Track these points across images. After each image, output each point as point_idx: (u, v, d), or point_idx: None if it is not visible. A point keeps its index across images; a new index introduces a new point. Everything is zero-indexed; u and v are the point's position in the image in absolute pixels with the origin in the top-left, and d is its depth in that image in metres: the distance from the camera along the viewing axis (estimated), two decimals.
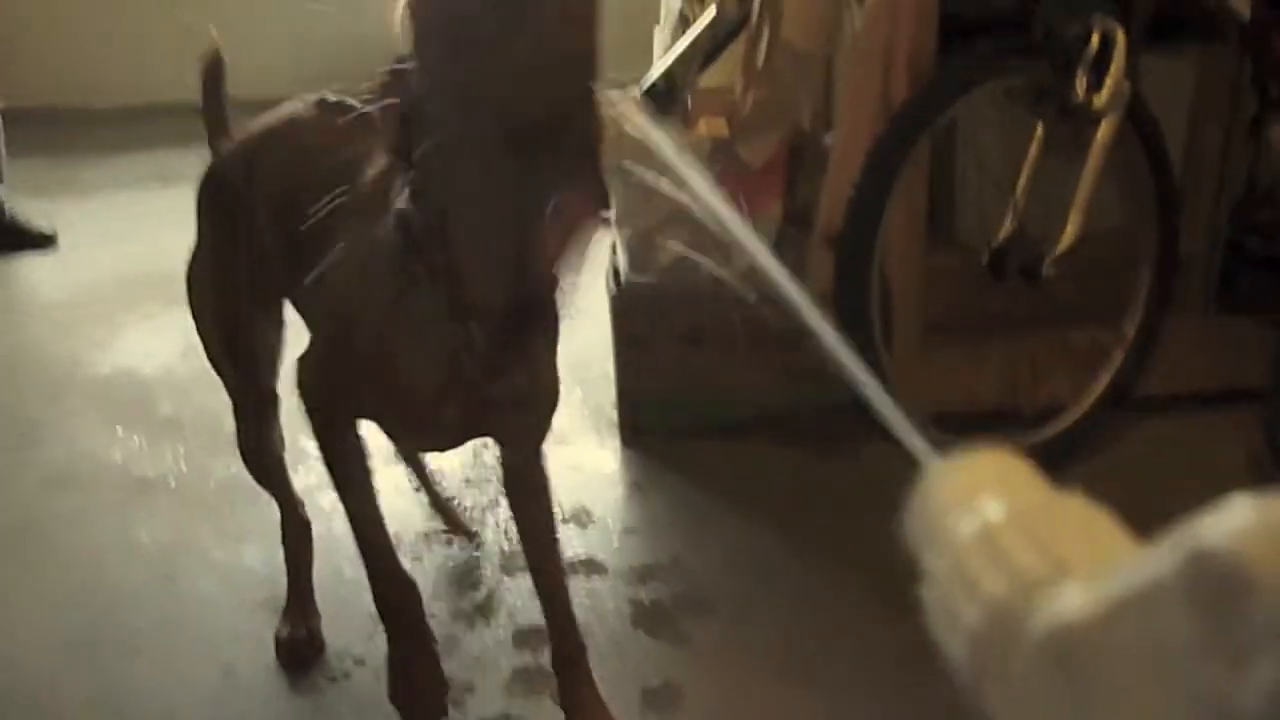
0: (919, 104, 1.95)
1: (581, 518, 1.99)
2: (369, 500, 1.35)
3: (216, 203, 1.54)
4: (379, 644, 1.49)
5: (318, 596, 1.79)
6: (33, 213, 3.77)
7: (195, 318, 1.61)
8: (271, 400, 1.63)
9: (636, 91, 2.28)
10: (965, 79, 1.95)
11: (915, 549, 0.61)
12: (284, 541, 1.77)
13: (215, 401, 2.50)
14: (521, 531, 1.47)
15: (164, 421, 2.44)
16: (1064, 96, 1.93)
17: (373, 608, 1.42)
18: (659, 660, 1.70)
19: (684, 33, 2.35)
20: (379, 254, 1.14)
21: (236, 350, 1.59)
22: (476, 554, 1.94)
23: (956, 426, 2.03)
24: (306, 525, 1.78)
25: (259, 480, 1.72)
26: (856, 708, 1.61)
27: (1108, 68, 1.90)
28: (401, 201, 1.11)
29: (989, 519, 0.56)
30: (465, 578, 1.88)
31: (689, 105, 2.23)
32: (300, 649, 1.73)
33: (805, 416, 2.22)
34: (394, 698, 1.39)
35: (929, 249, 2.12)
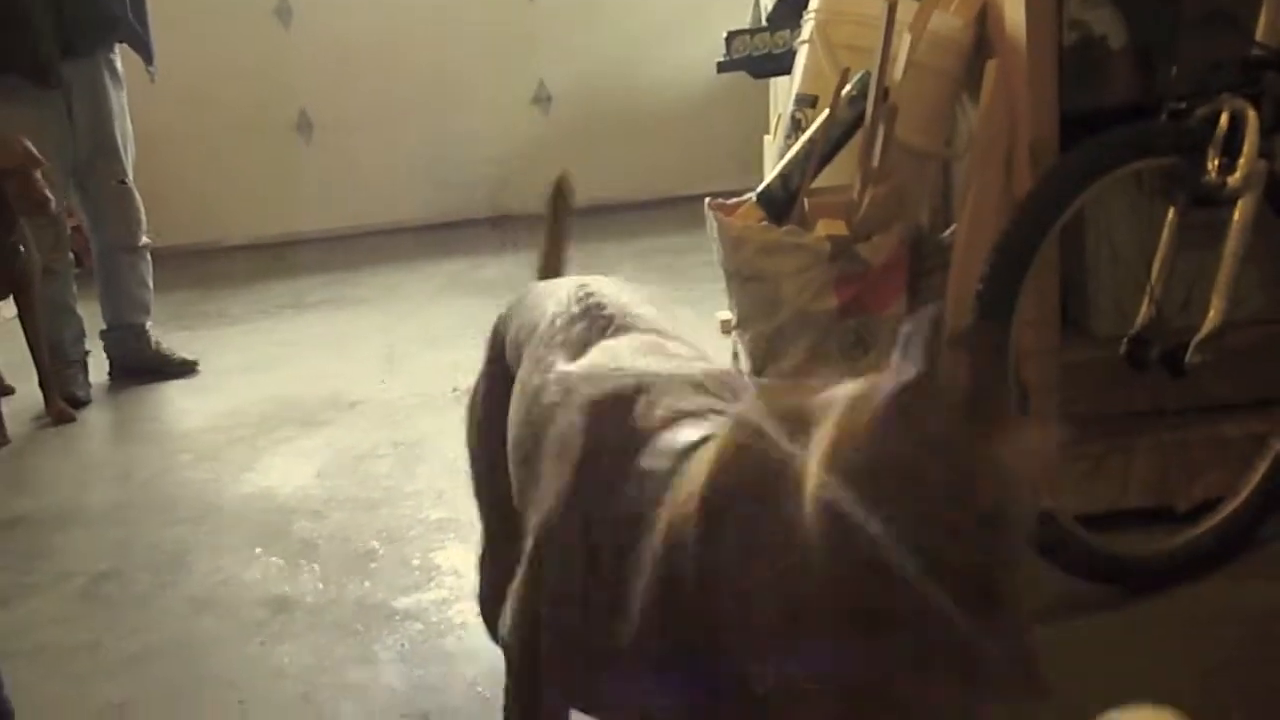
0: (1045, 195, 1.91)
1: None
2: None
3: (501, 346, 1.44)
4: None
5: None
6: (177, 343, 3.95)
7: (467, 447, 1.54)
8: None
9: (753, 198, 2.30)
10: (1091, 168, 1.91)
11: None
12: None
13: (349, 522, 2.57)
14: None
15: (301, 543, 2.48)
16: (1196, 180, 1.88)
17: None
18: None
19: (796, 138, 2.37)
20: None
21: (491, 492, 1.47)
22: None
23: (1105, 526, 1.95)
24: None
25: (490, 631, 1.53)
26: None
27: (1240, 148, 1.85)
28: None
29: None
30: None
31: (805, 207, 2.23)
32: None
33: None
34: None
35: (1064, 343, 2.06)
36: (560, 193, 1.68)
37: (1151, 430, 2.02)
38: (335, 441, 3.08)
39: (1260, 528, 2.01)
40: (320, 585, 2.28)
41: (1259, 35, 1.91)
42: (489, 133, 5.69)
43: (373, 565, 2.31)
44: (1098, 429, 2.00)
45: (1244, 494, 2.00)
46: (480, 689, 1.83)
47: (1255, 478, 2.01)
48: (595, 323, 1.24)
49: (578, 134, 5.45)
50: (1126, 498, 2.04)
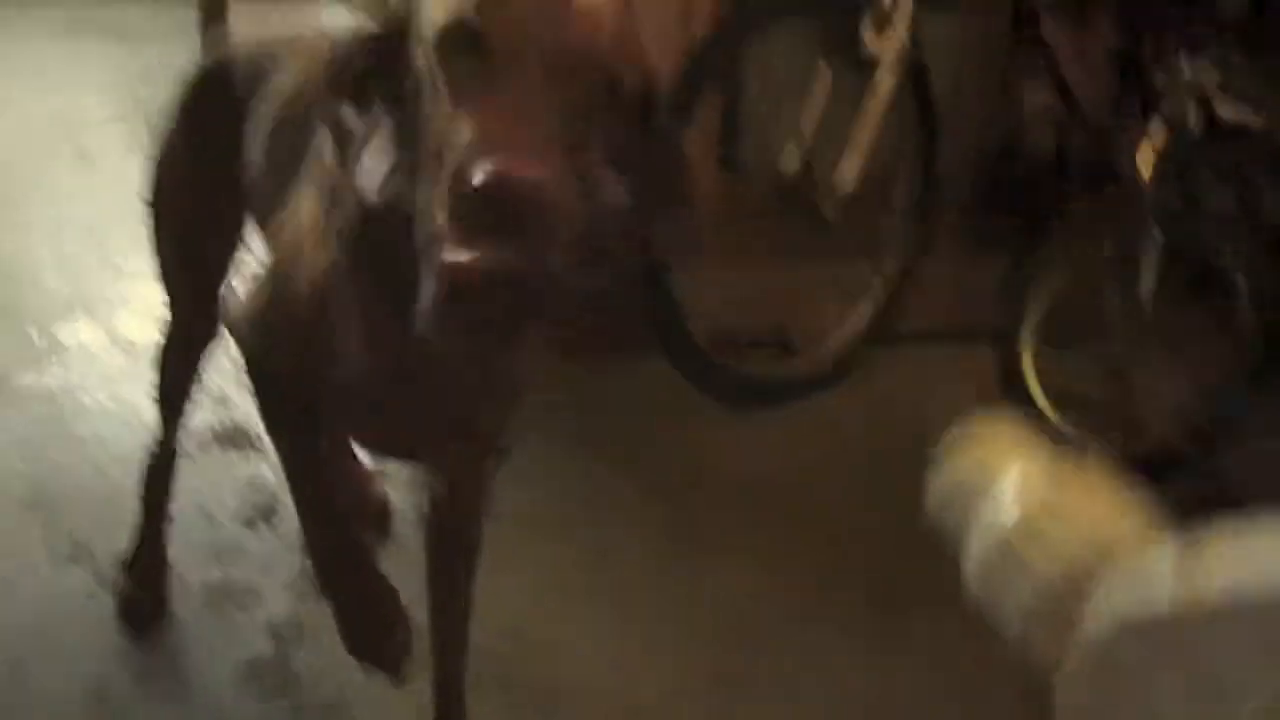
0: (715, 41, 2.02)
1: None
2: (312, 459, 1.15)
3: (210, 103, 1.36)
4: None
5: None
6: None
7: (153, 220, 1.44)
8: (213, 326, 1.42)
9: None
10: (760, 18, 2.03)
11: (942, 521, 0.67)
12: (148, 480, 1.57)
13: None
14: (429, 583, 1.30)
15: None
16: (850, 44, 2.04)
17: None
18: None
19: None
20: (334, 227, 1.00)
21: (193, 265, 1.44)
22: (259, 455, 1.88)
23: (736, 351, 2.15)
24: (174, 458, 1.57)
25: (159, 402, 1.53)
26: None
27: (892, 19, 2.03)
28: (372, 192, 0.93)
29: (1026, 499, 0.63)
30: (249, 481, 1.84)
31: None
32: (148, 608, 1.56)
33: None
34: (354, 650, 1.16)
35: (721, 182, 2.20)
36: None
37: (784, 267, 2.23)
38: None
39: (859, 363, 2.28)
40: None
41: None
42: None
43: None
44: (741, 261, 2.19)
45: (847, 333, 2.27)
46: (111, 473, 1.77)
47: (859, 319, 2.28)
48: None
49: None
50: (757, 326, 2.25)
